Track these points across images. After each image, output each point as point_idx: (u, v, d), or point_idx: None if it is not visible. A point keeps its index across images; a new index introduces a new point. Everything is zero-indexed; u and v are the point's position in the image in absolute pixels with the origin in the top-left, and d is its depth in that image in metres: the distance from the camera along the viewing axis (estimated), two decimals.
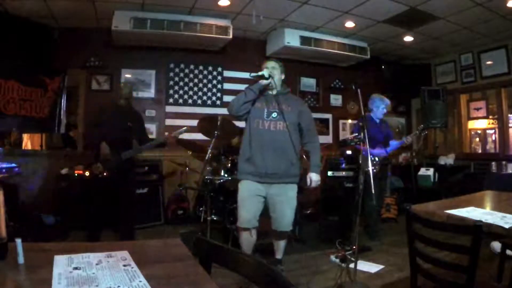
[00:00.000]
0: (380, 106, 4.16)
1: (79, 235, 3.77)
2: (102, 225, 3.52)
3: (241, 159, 2.80)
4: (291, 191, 2.81)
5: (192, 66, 5.55)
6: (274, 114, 2.74)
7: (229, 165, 3.99)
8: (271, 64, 2.86)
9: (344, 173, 5.18)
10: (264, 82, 2.71)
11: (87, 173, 3.41)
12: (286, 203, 2.78)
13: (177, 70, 5.48)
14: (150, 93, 5.35)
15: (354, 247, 2.85)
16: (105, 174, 3.33)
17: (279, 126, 2.73)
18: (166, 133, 3.55)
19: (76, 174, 3.86)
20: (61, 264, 1.00)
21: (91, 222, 3.49)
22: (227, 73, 5.63)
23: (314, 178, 2.82)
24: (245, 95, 2.73)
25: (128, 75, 5.23)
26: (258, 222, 2.77)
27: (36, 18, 4.45)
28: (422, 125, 4.31)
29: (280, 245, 2.94)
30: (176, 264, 1.10)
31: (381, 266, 3.25)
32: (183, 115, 5.41)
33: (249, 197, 2.75)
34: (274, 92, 2.82)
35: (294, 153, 2.76)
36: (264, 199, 2.79)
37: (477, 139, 6.28)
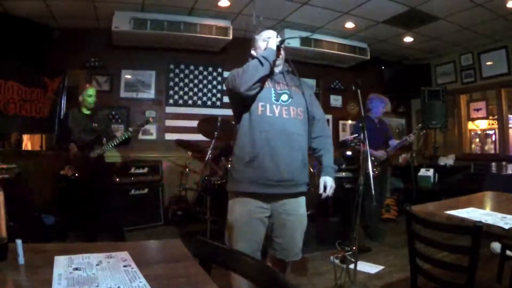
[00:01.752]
0: (379, 106, 4.16)
1: (79, 236, 3.78)
2: (93, 226, 3.58)
3: (238, 162, 1.96)
4: (303, 206, 2.05)
5: (192, 67, 5.55)
6: (285, 97, 1.98)
7: (229, 165, 3.99)
8: (272, 33, 2.08)
9: (344, 174, 5.18)
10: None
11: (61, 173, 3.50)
12: (297, 223, 2.01)
13: (177, 71, 5.48)
14: (150, 94, 5.35)
15: (354, 247, 2.85)
16: (76, 175, 3.42)
17: (292, 113, 1.96)
18: (130, 128, 3.60)
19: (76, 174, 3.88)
20: (61, 264, 1.00)
21: (84, 223, 3.59)
22: (227, 74, 5.62)
23: (330, 183, 2.05)
24: (262, 66, 1.86)
25: (128, 76, 5.23)
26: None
27: (36, 18, 4.44)
28: (420, 125, 4.31)
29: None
30: (176, 264, 1.10)
31: (381, 267, 3.25)
32: (183, 116, 5.41)
33: (250, 221, 1.92)
34: (279, 69, 2.07)
35: (307, 150, 2.05)
36: (268, 219, 1.97)
37: (477, 139, 6.28)
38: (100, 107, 3.98)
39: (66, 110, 4.69)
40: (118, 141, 3.52)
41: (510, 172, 4.95)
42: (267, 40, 2.03)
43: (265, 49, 1.99)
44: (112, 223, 3.68)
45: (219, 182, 3.92)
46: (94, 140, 3.56)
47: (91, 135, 3.57)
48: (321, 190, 2.07)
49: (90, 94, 3.60)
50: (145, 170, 4.74)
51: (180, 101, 5.48)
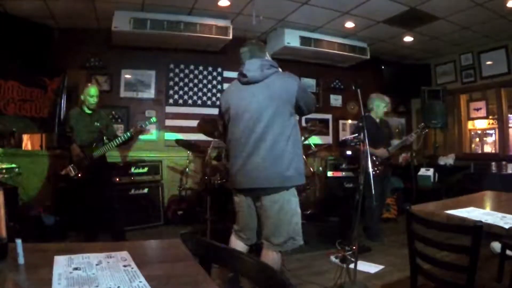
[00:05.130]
0: (380, 106, 4.15)
1: (79, 235, 3.78)
2: (94, 226, 3.59)
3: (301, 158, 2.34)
4: None
5: (192, 67, 5.55)
6: None
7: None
8: None
9: (344, 173, 5.19)
10: None
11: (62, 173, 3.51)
12: None
13: (177, 70, 5.48)
14: (150, 93, 5.34)
15: (354, 247, 2.85)
16: (79, 175, 3.42)
17: None
18: (137, 126, 3.60)
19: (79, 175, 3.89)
20: (61, 264, 1.00)
21: (85, 223, 3.60)
22: (227, 74, 5.61)
23: None
24: None
25: (128, 76, 5.23)
26: None
27: (36, 18, 4.44)
28: (422, 124, 4.29)
29: None
30: (176, 264, 1.10)
31: (381, 266, 3.25)
32: (183, 115, 5.40)
33: None
34: None
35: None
36: None
37: (477, 139, 6.28)
38: (100, 106, 3.98)
39: (66, 109, 4.68)
40: (120, 140, 3.52)
41: (510, 172, 4.96)
42: None
43: None
44: (114, 223, 3.68)
45: (219, 182, 3.92)
46: (97, 139, 3.55)
47: (93, 134, 3.57)
48: None
49: (92, 94, 3.59)
50: (145, 169, 4.74)
51: (180, 101, 5.48)
